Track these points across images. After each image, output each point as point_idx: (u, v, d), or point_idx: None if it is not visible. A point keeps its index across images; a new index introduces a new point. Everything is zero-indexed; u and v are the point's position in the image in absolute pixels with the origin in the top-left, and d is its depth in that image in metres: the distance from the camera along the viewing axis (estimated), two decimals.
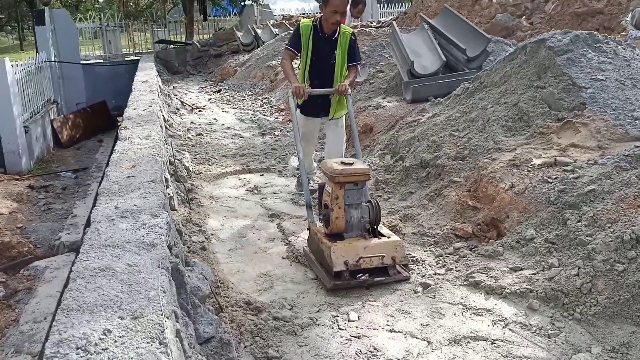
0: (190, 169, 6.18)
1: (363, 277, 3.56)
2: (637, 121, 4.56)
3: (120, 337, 1.82)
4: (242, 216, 5.01)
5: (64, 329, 1.86)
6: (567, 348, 2.91)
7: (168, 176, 4.52)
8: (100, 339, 1.80)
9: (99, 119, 12.96)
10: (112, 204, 3.06)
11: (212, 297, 3.40)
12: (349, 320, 3.27)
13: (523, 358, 2.86)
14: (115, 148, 4.53)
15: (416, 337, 3.08)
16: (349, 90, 4.68)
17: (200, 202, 5.33)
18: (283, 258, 4.17)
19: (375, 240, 3.70)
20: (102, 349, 1.76)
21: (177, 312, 2.21)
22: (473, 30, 7.67)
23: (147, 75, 10.30)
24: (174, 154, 6.02)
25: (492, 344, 3.00)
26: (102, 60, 17.21)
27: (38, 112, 10.40)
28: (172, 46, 17.92)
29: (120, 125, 13.46)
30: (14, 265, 5.63)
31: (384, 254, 3.61)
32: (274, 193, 5.63)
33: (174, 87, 13.69)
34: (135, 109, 6.56)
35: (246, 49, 15.85)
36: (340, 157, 4.80)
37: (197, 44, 17.43)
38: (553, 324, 3.09)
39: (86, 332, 1.83)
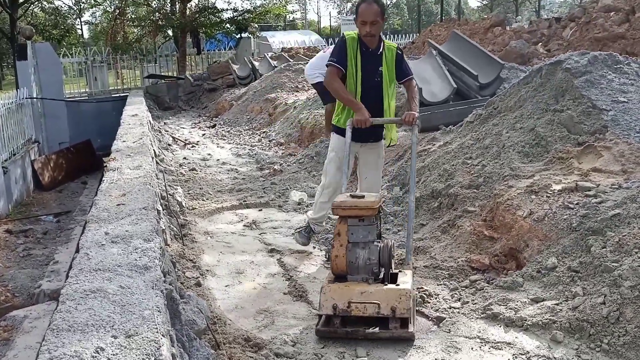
0: (184, 204, 6.27)
1: (371, 329, 3.36)
2: None
3: (114, 354, 1.87)
4: (240, 252, 5.06)
5: (54, 348, 1.91)
6: None
7: (160, 208, 4.60)
8: (92, 356, 1.85)
9: (83, 160, 13.12)
10: (101, 230, 3.14)
11: (208, 333, 3.43)
12: (357, 357, 3.29)
13: None
14: (103, 179, 4.63)
15: None
16: (418, 119, 4.35)
17: (194, 237, 5.40)
18: (284, 294, 4.21)
19: (378, 286, 3.46)
20: None
21: (173, 336, 2.26)
22: (485, 56, 7.88)
23: (136, 109, 10.51)
24: (166, 189, 6.12)
25: None
26: (87, 97, 17.50)
27: (18, 152, 10.55)
28: (163, 81, 18.27)
29: (106, 165, 13.54)
30: None
31: (380, 302, 3.33)
32: (274, 228, 5.70)
33: (165, 122, 13.91)
34: (124, 141, 6.70)
35: (242, 82, 16.16)
36: (376, 189, 4.66)
37: (190, 78, 17.78)
38: (579, 356, 3.11)
39: (78, 350, 1.88)
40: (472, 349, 3.31)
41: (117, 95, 17.29)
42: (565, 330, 3.29)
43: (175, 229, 5.21)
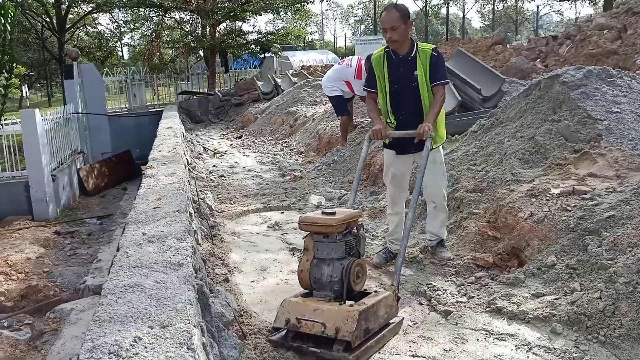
0: (213, 207, 6.28)
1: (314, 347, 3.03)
2: None
3: (150, 343, 1.87)
4: (264, 250, 5.06)
5: (96, 337, 1.91)
6: None
7: (192, 211, 4.61)
8: (131, 345, 1.86)
9: (123, 168, 13.28)
10: (139, 231, 3.15)
11: (235, 325, 3.43)
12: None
13: None
14: (141, 185, 4.65)
15: None
16: (432, 131, 3.94)
17: (222, 238, 5.41)
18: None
19: (332, 305, 3.10)
20: (134, 354, 1.81)
21: (203, 327, 2.25)
22: (487, 71, 7.82)
23: (171, 122, 10.58)
24: (197, 193, 6.14)
25: None
26: (126, 112, 17.68)
27: (65, 162, 10.69)
28: (194, 97, 18.38)
29: (144, 172, 13.62)
30: (40, 307, 5.73)
31: (326, 322, 2.98)
32: (295, 229, 5.67)
33: (196, 134, 13.99)
34: (160, 151, 6.75)
35: (266, 97, 16.21)
36: (440, 202, 4.37)
37: (219, 94, 17.88)
38: (577, 347, 3.06)
39: (118, 339, 1.88)
40: (477, 340, 3.27)
41: (154, 109, 17.46)
42: (564, 322, 3.23)
43: (205, 230, 5.22)
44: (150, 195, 4.11)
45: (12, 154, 9.41)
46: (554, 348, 3.08)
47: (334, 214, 3.25)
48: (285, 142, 11.34)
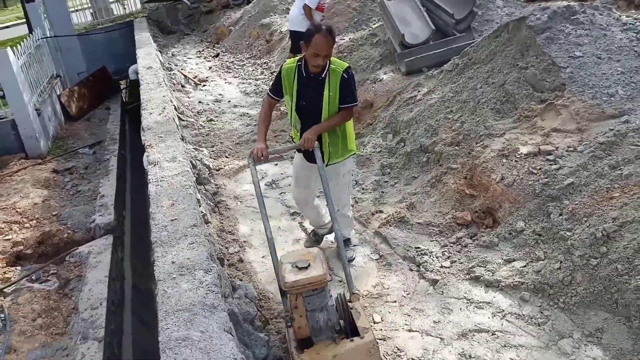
0: (211, 166, 6.73)
1: None
2: (612, 98, 5.03)
3: None
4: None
5: None
6: (553, 335, 3.59)
7: (199, 196, 5.09)
8: None
9: (102, 86, 13.17)
10: (168, 257, 3.68)
11: (258, 313, 4.09)
12: (374, 322, 3.96)
13: (519, 347, 3.56)
14: (149, 177, 5.07)
15: (430, 335, 3.77)
16: (316, 143, 3.95)
17: (227, 204, 5.93)
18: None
19: (346, 346, 3.26)
20: None
21: None
22: None
23: (148, 57, 10.62)
24: (195, 155, 6.57)
25: (492, 335, 3.69)
26: (94, 27, 17.26)
27: (45, 91, 10.66)
28: (162, 4, 17.91)
29: (122, 89, 13.49)
30: (60, 256, 6.25)
31: None
32: (289, 185, 6.17)
33: (172, 54, 13.93)
34: (151, 113, 7.04)
35: (236, 2, 15.88)
36: (343, 207, 4.52)
37: (187, 1, 17.41)
38: (542, 312, 3.76)
39: None
40: (460, 309, 3.96)
41: (122, 22, 17.08)
42: (531, 290, 3.92)
43: (210, 203, 5.74)
44: (162, 197, 4.58)
45: None
46: (523, 314, 3.78)
47: (312, 268, 3.30)
48: (264, 62, 11.47)
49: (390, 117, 6.74)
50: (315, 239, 4.96)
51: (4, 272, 5.79)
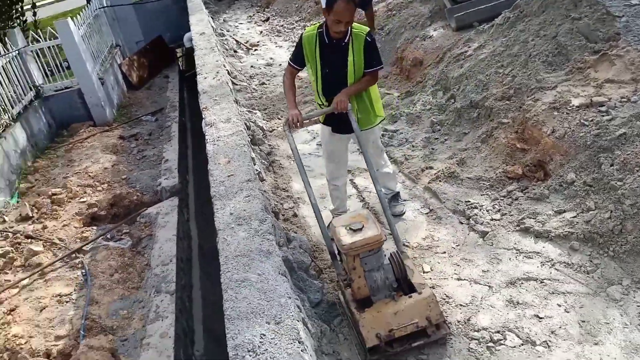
0: (264, 127, 6.94)
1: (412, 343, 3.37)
2: None
3: (272, 339, 2.70)
4: (319, 175, 5.76)
5: (235, 336, 2.75)
6: (602, 282, 3.65)
7: (253, 155, 5.30)
8: (260, 342, 2.69)
9: (160, 55, 13.55)
10: (226, 209, 3.91)
11: (312, 262, 4.29)
12: (423, 272, 4.10)
13: (567, 293, 3.63)
14: (206, 137, 5.31)
15: (479, 283, 3.89)
16: (349, 105, 4.00)
17: (280, 163, 6.14)
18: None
19: (406, 302, 3.38)
20: (264, 350, 2.64)
21: (300, 306, 3.07)
22: None
23: (201, 23, 10.82)
24: (249, 117, 6.78)
25: (541, 282, 3.77)
26: None
27: (106, 60, 11.12)
28: None
29: (179, 57, 13.71)
30: (131, 216, 6.67)
31: (416, 320, 3.34)
32: None
33: (224, 20, 14.16)
34: (205, 77, 7.25)
35: None
36: (382, 168, 4.53)
37: None
38: (591, 261, 3.81)
39: (250, 338, 2.72)
40: (509, 259, 4.05)
41: None
42: (580, 240, 3.96)
43: (264, 162, 5.95)
44: (220, 155, 4.80)
45: (60, 65, 9.97)
46: (572, 263, 3.84)
47: (367, 228, 3.40)
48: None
49: (440, 74, 6.75)
50: None
51: (82, 232, 6.27)
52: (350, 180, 5.59)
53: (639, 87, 4.68)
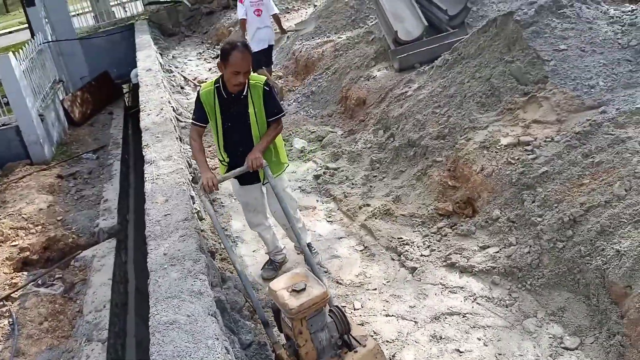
0: None
1: None
2: (592, 90, 5.38)
3: None
4: None
5: None
6: (519, 315, 3.98)
7: (193, 193, 5.53)
8: None
9: (105, 91, 13.58)
10: (160, 249, 4.13)
11: (246, 303, 4.52)
12: (354, 309, 4.37)
13: (486, 327, 3.96)
14: (145, 175, 5.53)
15: (405, 319, 4.18)
16: (264, 162, 4.14)
17: (221, 202, 6.39)
18: (298, 254, 5.23)
19: (353, 358, 3.33)
20: None
21: (228, 347, 3.30)
22: None
23: (148, 59, 11.12)
24: (191, 154, 7.01)
25: (463, 317, 4.09)
26: (95, 31, 17.83)
27: (48, 96, 11.07)
28: (162, 7, 18.46)
29: (125, 93, 13.80)
30: (64, 260, 6.66)
31: None
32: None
33: (172, 56, 14.45)
34: (149, 114, 7.51)
35: (235, 2, 16.39)
36: (291, 218, 4.24)
37: (188, 3, 17.96)
38: (510, 295, 4.15)
39: None
40: (435, 294, 4.36)
41: (124, 25, 17.60)
42: (501, 274, 4.31)
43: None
44: (157, 194, 5.02)
45: None
46: (493, 297, 4.18)
47: (310, 287, 3.32)
48: None
49: (381, 113, 7.15)
50: (272, 267, 5.06)
51: (12, 278, 6.18)
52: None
53: (562, 128, 5.12)
